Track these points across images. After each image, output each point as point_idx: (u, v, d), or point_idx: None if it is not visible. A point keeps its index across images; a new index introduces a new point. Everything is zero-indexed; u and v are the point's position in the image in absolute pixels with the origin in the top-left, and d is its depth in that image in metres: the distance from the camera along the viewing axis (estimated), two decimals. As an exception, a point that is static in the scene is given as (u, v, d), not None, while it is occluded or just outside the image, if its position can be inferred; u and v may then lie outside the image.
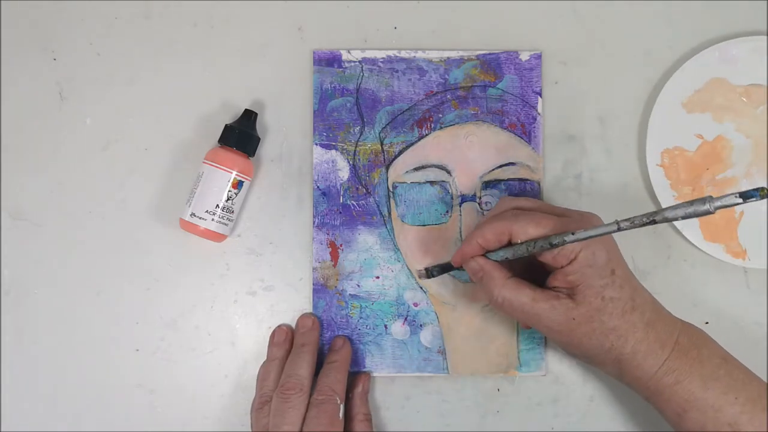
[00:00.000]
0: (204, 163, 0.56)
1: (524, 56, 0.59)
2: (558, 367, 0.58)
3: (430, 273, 0.57)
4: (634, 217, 0.42)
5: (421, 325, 0.58)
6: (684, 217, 0.39)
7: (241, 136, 0.56)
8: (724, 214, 0.58)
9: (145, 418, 0.57)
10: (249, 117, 0.57)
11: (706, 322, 0.52)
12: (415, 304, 0.58)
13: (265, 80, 0.59)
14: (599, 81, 0.59)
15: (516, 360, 0.57)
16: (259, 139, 0.57)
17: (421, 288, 0.58)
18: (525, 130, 0.58)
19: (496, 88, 0.58)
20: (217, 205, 0.55)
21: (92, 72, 0.59)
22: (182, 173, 0.58)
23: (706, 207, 0.38)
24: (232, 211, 0.56)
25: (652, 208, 0.59)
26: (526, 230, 0.48)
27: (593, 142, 0.59)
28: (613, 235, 0.49)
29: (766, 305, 0.58)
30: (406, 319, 0.58)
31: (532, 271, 0.51)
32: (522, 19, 0.59)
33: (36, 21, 0.59)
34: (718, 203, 0.38)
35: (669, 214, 0.40)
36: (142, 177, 0.58)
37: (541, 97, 0.59)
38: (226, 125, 0.56)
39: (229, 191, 0.55)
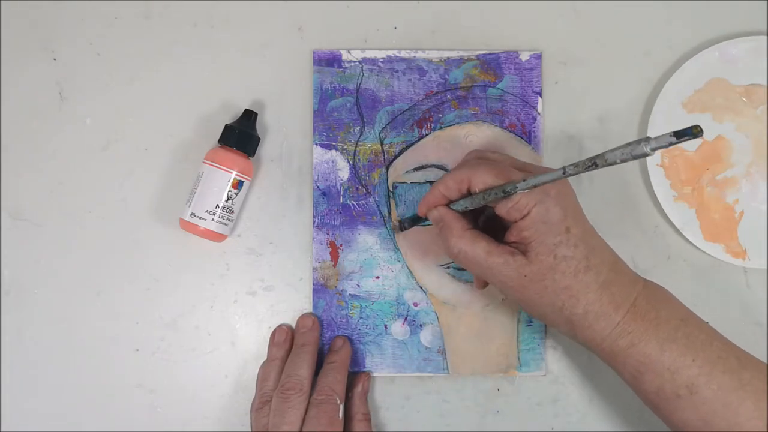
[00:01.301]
0: (204, 163, 0.56)
1: (524, 56, 0.59)
2: (558, 367, 0.58)
3: (402, 225, 0.57)
4: (578, 162, 0.42)
5: (421, 325, 0.58)
6: (623, 160, 0.39)
7: (241, 136, 0.56)
8: (724, 214, 0.58)
9: (145, 418, 0.57)
10: (249, 117, 0.57)
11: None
12: (415, 304, 0.58)
13: (265, 80, 0.59)
14: (599, 81, 0.59)
15: (516, 360, 0.57)
16: (259, 139, 0.57)
17: (421, 288, 0.58)
18: (525, 130, 0.58)
19: (496, 88, 0.58)
20: (217, 205, 0.55)
21: (92, 72, 0.59)
22: (182, 173, 0.58)
23: (642, 148, 0.38)
24: (232, 211, 0.56)
25: (652, 209, 0.59)
26: (484, 179, 0.48)
27: (593, 142, 0.59)
28: (579, 198, 0.49)
29: (766, 305, 0.58)
30: (406, 319, 0.58)
31: (499, 229, 0.51)
32: (522, 19, 0.59)
33: (36, 21, 0.59)
34: (653, 144, 0.38)
35: (609, 157, 0.40)
36: (142, 177, 0.58)
37: (541, 97, 0.59)
38: (226, 125, 0.56)
39: (229, 191, 0.55)
